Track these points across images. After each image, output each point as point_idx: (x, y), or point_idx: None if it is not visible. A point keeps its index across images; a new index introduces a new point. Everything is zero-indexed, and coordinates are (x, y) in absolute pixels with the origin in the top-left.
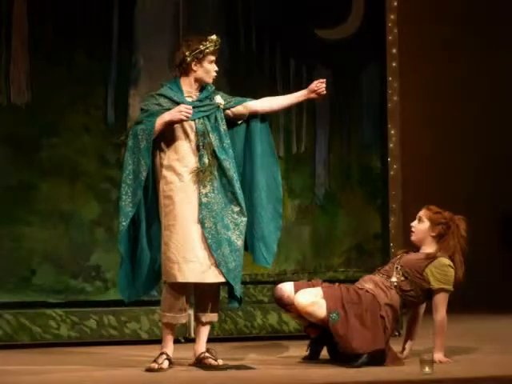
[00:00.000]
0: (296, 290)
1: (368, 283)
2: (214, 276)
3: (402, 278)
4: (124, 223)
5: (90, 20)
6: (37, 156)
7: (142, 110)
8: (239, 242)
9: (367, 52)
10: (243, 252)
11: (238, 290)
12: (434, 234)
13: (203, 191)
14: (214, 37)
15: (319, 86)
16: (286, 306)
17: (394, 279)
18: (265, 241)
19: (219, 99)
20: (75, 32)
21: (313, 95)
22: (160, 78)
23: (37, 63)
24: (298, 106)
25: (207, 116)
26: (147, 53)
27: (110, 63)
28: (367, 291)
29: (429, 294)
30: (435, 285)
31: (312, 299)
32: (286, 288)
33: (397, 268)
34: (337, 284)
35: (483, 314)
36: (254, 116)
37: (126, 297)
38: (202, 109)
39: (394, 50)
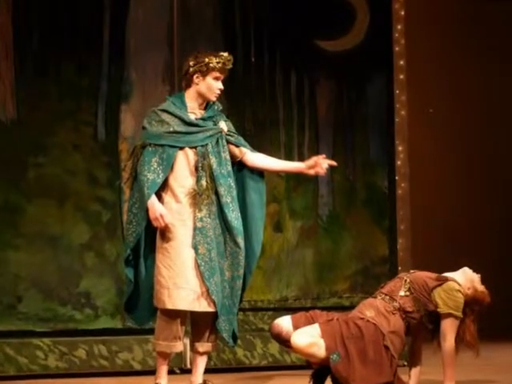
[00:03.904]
0: (294, 324)
1: (369, 310)
2: (205, 305)
3: (408, 293)
4: (126, 252)
5: (79, 31)
6: (23, 176)
7: (143, 127)
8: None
9: (373, 64)
10: (240, 284)
11: (230, 325)
12: None
13: (198, 215)
14: (225, 54)
15: (319, 163)
16: (286, 342)
17: (402, 293)
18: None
19: (223, 125)
20: (63, 44)
21: (311, 171)
22: (153, 93)
23: (23, 77)
24: (299, 120)
25: (209, 136)
26: (139, 67)
27: (101, 77)
28: (368, 321)
29: (433, 319)
30: (444, 308)
31: (310, 340)
32: (284, 324)
33: (405, 281)
34: (335, 318)
35: (502, 343)
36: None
37: (137, 322)
38: (208, 133)
39: (402, 62)
